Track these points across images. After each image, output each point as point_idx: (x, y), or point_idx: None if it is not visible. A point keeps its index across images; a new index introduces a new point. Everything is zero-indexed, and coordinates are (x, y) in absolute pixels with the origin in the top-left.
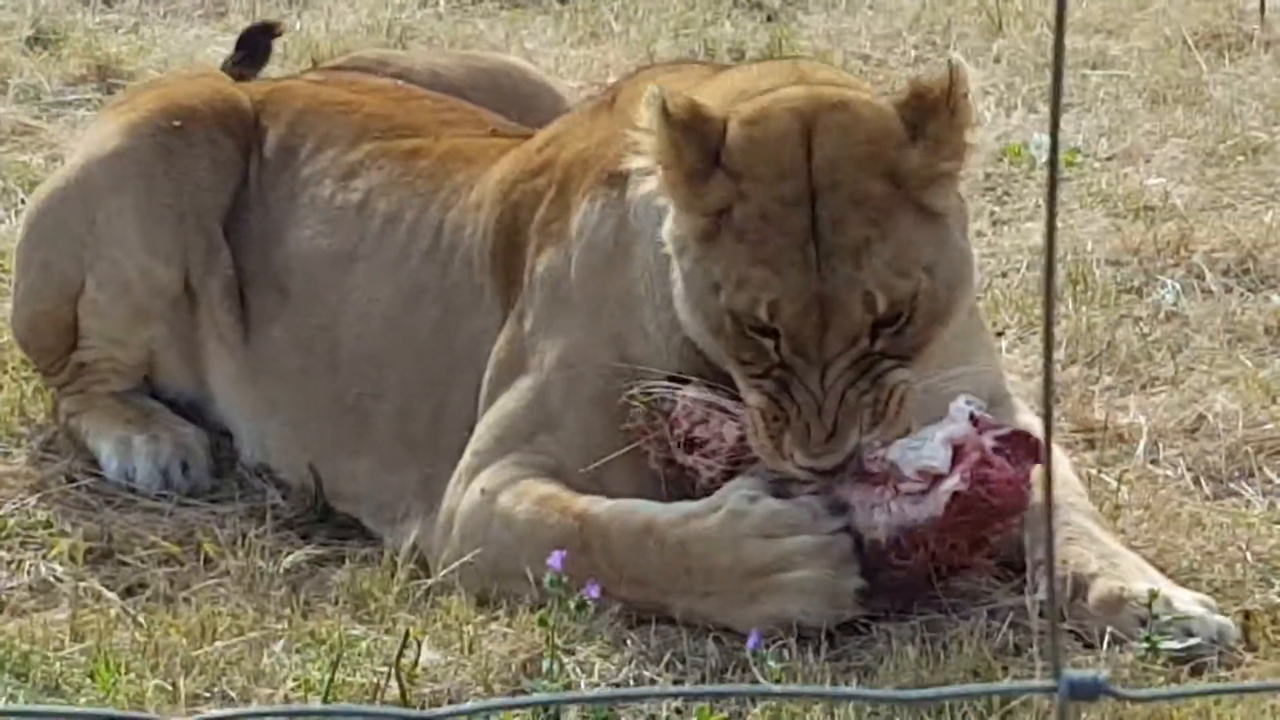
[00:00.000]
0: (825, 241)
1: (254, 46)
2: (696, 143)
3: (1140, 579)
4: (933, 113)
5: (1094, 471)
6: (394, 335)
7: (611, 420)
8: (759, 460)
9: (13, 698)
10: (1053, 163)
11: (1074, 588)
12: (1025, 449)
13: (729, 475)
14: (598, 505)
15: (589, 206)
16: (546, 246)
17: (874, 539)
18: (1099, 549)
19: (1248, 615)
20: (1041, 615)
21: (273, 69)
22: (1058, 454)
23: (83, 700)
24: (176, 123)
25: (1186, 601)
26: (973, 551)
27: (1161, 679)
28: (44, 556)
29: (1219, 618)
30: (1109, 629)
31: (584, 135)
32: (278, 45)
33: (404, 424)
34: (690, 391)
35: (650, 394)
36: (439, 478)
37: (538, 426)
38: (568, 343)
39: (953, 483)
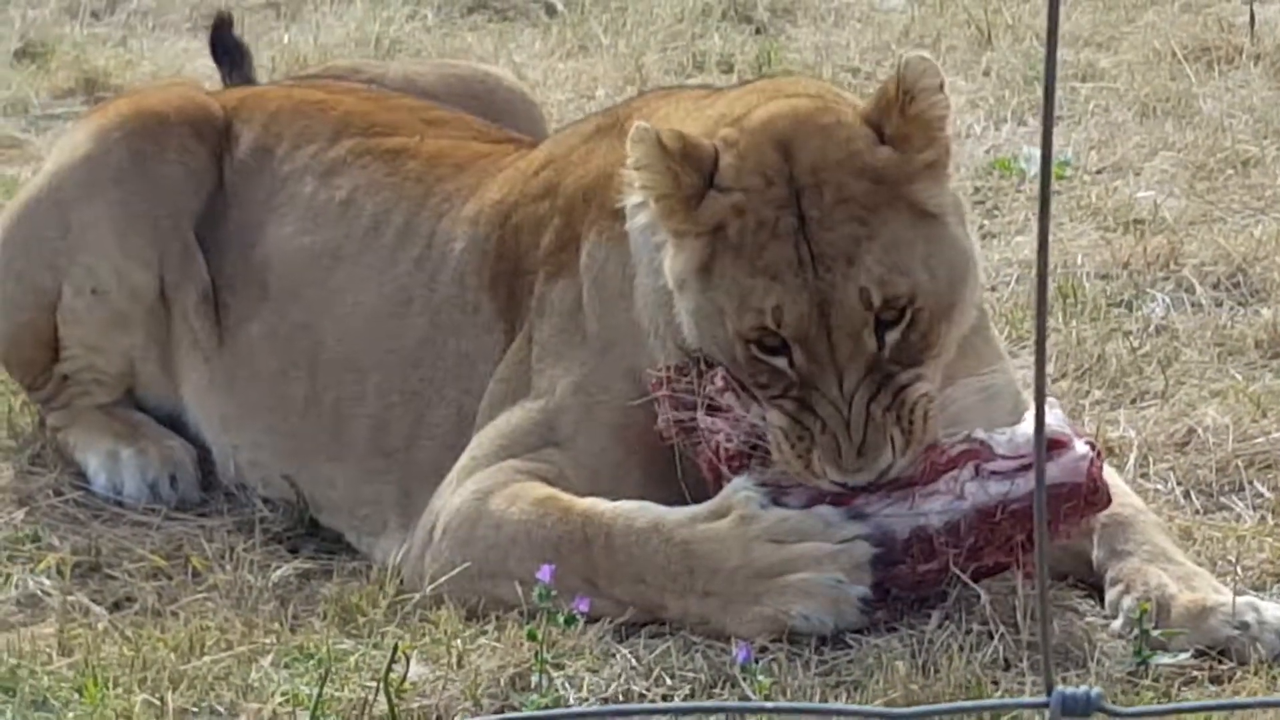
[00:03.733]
0: (816, 241)
1: (226, 48)
2: (693, 168)
3: (1219, 593)
4: (888, 109)
5: None
6: (377, 341)
7: (628, 450)
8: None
9: (0, 712)
10: (1045, 176)
11: (1157, 607)
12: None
13: (742, 460)
14: (601, 504)
15: (596, 239)
16: (558, 276)
17: (920, 526)
18: (1176, 569)
19: None
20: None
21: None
22: (1114, 474)
23: (70, 715)
24: (146, 128)
25: (1275, 610)
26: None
27: (1152, 695)
28: (31, 571)
29: None
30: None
31: (582, 161)
32: (264, 59)
33: (381, 433)
34: (720, 371)
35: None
36: (416, 492)
37: (545, 442)
38: (584, 373)
39: (1082, 450)
